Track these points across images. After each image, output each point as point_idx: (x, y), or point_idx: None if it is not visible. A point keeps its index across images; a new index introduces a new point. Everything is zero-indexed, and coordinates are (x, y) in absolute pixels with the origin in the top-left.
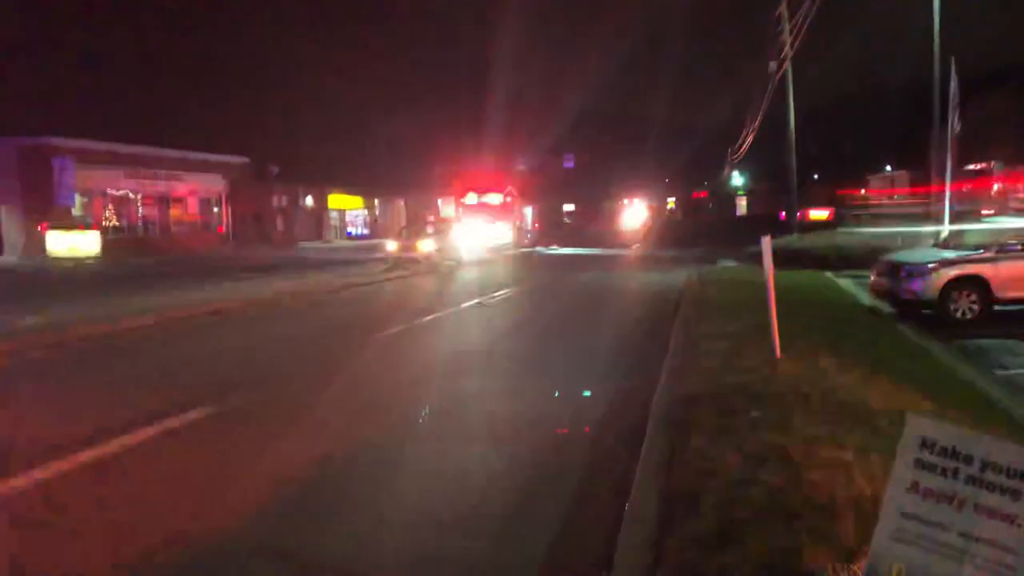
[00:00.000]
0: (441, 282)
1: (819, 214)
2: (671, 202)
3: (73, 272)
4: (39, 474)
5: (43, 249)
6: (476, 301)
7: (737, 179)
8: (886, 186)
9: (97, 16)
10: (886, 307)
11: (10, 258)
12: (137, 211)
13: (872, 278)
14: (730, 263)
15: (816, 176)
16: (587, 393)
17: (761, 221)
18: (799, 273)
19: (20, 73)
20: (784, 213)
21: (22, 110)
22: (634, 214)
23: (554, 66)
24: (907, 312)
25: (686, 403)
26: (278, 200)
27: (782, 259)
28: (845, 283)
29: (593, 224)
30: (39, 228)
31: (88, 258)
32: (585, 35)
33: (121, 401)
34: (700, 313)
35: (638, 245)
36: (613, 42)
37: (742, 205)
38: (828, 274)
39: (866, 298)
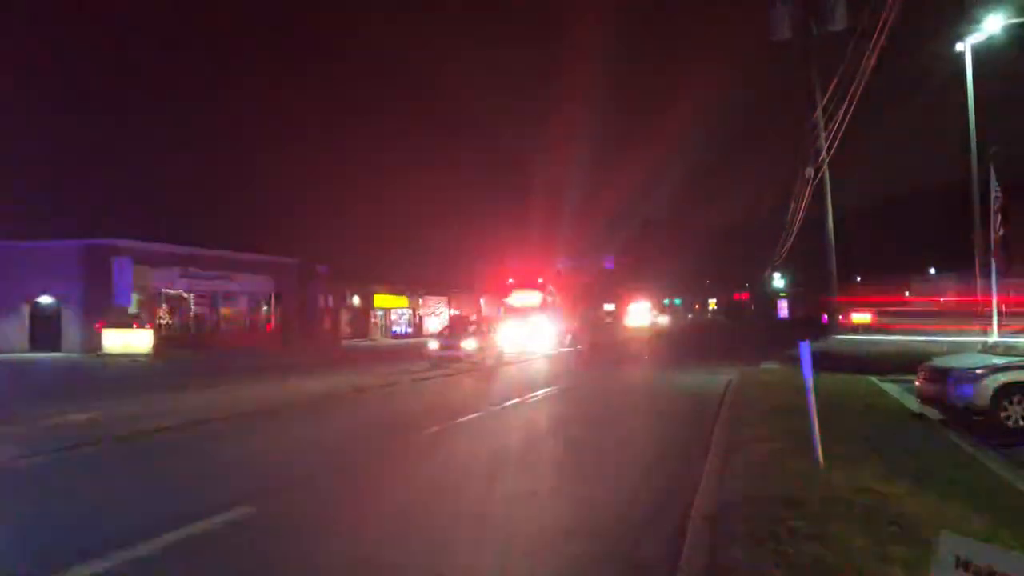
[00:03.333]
0: (482, 381)
1: (861, 317)
2: (712, 303)
3: (125, 369)
4: (86, 571)
5: (99, 346)
6: (516, 400)
7: (778, 281)
8: (930, 290)
9: (156, 125)
10: (934, 413)
11: (67, 354)
12: (189, 309)
13: (918, 383)
14: (772, 365)
15: (859, 279)
16: (626, 496)
17: (803, 323)
18: (842, 377)
19: (84, 177)
20: (826, 316)
21: (85, 212)
22: (674, 314)
23: (596, 169)
24: (956, 419)
25: (727, 510)
26: (325, 299)
27: (825, 363)
28: (890, 388)
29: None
30: (96, 326)
31: (140, 355)
32: (629, 138)
33: (163, 499)
34: (742, 417)
35: (678, 345)
36: (656, 145)
37: (784, 307)
38: (872, 378)
39: (912, 404)
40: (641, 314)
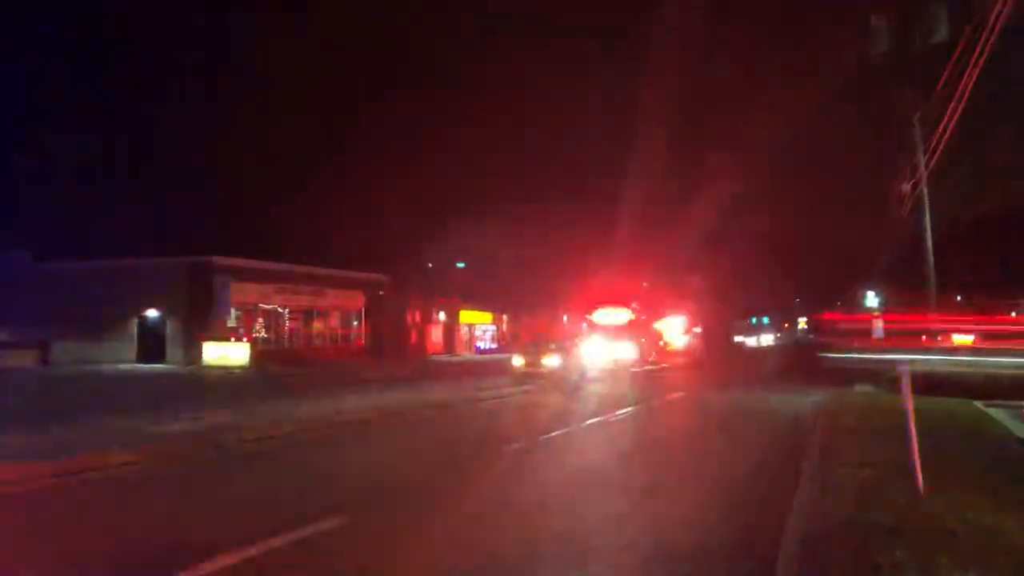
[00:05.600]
0: (565, 398)
1: (963, 339)
2: (802, 322)
3: (222, 381)
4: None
5: (199, 358)
6: (601, 418)
7: (872, 300)
8: None
9: (255, 147)
10: None
11: (170, 366)
12: (284, 324)
13: None
14: (867, 388)
15: (959, 298)
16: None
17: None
18: (944, 401)
19: (188, 196)
20: (925, 337)
21: (189, 231)
22: (765, 333)
23: (684, 184)
24: None
25: (823, 537)
26: (412, 315)
27: (924, 386)
28: (996, 413)
29: (721, 343)
30: (197, 339)
31: (237, 367)
32: (719, 151)
33: (262, 507)
34: (835, 441)
35: (770, 364)
36: (745, 159)
37: (879, 327)
38: (977, 403)
39: (1021, 430)
40: (674, 333)
